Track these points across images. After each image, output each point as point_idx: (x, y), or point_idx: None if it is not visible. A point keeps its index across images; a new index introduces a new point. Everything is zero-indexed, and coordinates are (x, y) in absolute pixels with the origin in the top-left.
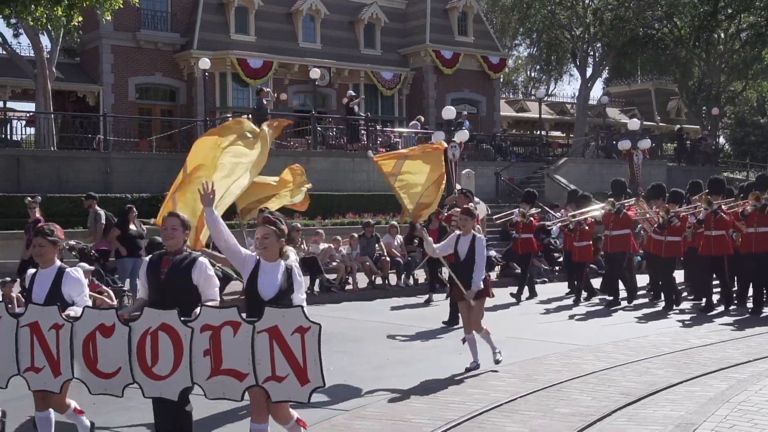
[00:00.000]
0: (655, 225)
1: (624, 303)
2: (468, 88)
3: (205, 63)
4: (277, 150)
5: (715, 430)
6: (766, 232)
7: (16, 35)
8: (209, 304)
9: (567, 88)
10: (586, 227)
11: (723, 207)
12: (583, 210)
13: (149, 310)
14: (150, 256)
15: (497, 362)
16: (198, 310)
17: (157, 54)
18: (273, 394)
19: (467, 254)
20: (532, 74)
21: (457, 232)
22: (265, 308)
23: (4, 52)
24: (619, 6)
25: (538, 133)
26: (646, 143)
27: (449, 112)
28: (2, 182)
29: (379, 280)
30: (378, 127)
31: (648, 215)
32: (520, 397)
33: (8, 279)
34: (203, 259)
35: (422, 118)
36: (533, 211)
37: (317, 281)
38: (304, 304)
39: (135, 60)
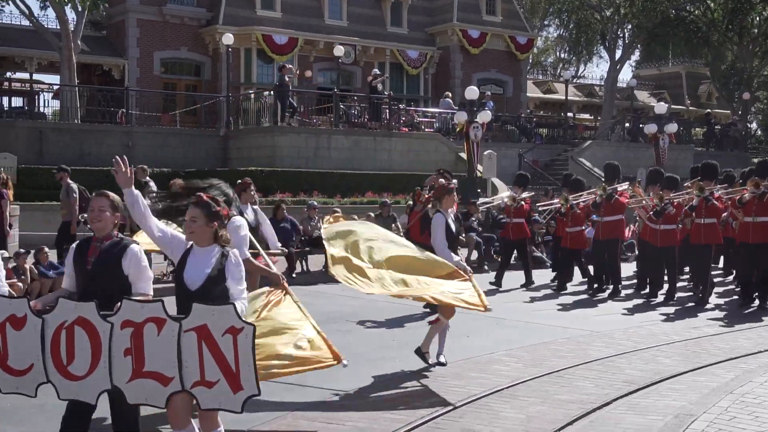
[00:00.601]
0: (650, 212)
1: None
2: (495, 68)
3: (228, 38)
4: (300, 127)
5: (714, 421)
6: (765, 222)
7: (42, 7)
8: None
9: (596, 70)
10: (578, 212)
11: (718, 194)
12: (576, 195)
13: (64, 301)
14: (78, 241)
15: (440, 364)
16: (119, 303)
17: (183, 28)
18: (202, 401)
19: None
20: (561, 55)
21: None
22: (192, 304)
23: (30, 24)
24: None
25: (564, 115)
26: (672, 127)
27: (472, 92)
28: (26, 154)
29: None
30: (402, 106)
31: (643, 202)
32: (522, 382)
33: (22, 251)
34: (136, 247)
35: (450, 94)
36: (525, 195)
37: None
38: (243, 296)
39: (161, 34)
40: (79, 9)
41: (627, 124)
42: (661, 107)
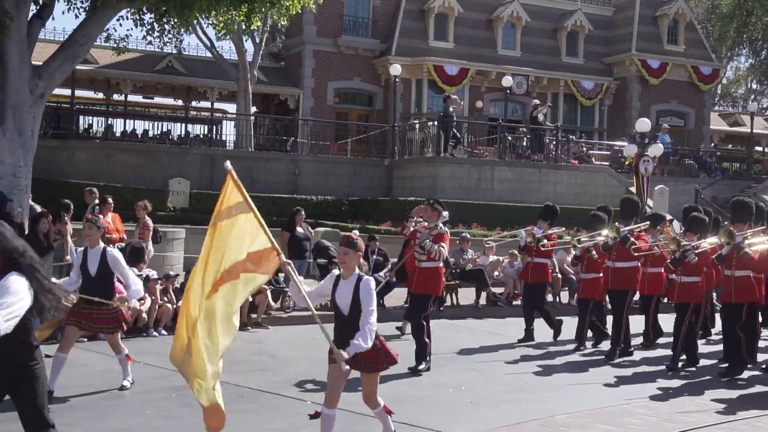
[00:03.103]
0: (668, 261)
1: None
2: (675, 99)
3: (396, 69)
4: (462, 158)
5: None
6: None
7: (220, 39)
8: None
9: None
10: (595, 256)
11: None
12: (592, 234)
13: None
14: None
15: None
16: None
17: (357, 59)
18: None
19: (351, 305)
20: (753, 86)
21: (335, 272)
22: None
23: (211, 56)
24: None
25: (749, 149)
26: None
27: (643, 125)
28: (198, 179)
29: (549, 297)
30: (572, 138)
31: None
32: None
33: (171, 273)
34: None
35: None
36: (554, 231)
37: (483, 294)
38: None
39: (335, 65)
40: (257, 41)
41: None
42: None
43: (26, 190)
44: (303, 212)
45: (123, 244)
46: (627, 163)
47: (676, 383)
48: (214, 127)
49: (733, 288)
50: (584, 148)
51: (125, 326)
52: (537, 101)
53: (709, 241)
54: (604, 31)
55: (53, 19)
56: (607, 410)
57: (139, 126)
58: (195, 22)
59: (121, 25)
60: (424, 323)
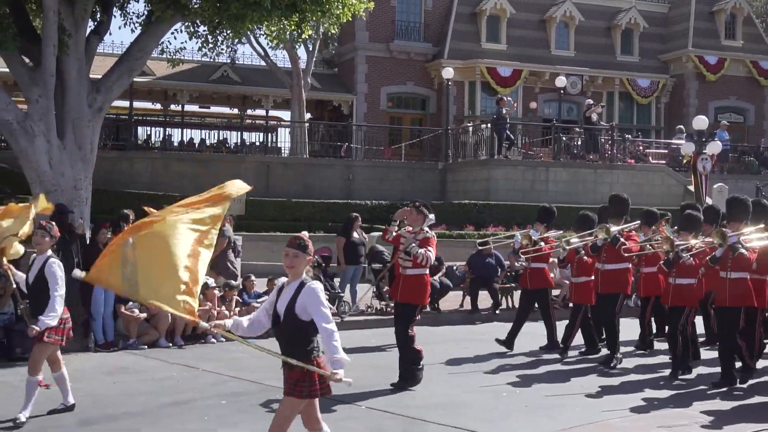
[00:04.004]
0: (661, 262)
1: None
2: (734, 95)
3: (448, 72)
4: (516, 160)
5: None
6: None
7: (274, 48)
8: None
9: None
10: (585, 258)
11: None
12: (582, 234)
13: None
14: None
15: None
16: None
17: (410, 63)
18: None
19: (286, 311)
20: None
21: (282, 280)
22: None
23: (265, 65)
24: None
25: None
26: None
27: (700, 122)
28: (254, 187)
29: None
30: (628, 137)
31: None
32: None
33: (233, 282)
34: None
35: (682, 128)
36: (551, 234)
37: None
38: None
39: (388, 70)
40: (309, 49)
41: None
42: None
43: (87, 201)
44: (359, 218)
45: None
46: (685, 161)
47: (664, 393)
48: (270, 135)
49: (728, 291)
50: (641, 147)
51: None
52: (590, 101)
53: (706, 241)
54: (660, 28)
55: (110, 33)
56: (584, 427)
57: (196, 135)
58: (248, 32)
59: (175, 38)
60: (412, 333)
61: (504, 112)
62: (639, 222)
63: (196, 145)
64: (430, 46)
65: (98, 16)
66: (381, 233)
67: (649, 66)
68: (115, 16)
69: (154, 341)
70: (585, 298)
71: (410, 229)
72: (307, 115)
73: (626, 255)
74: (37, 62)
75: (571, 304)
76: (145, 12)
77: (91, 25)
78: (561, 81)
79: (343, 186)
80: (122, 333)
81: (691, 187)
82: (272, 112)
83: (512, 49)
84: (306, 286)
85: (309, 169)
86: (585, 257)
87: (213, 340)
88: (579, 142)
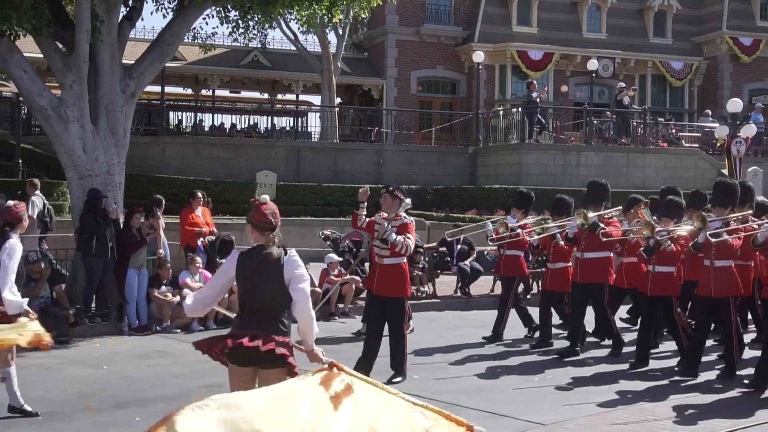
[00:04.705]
0: (641, 249)
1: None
2: None
3: (479, 56)
4: (547, 144)
5: None
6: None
7: (305, 32)
8: None
9: None
10: (562, 243)
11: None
12: (562, 222)
13: None
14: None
15: None
16: None
17: (440, 47)
18: None
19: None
20: None
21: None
22: None
23: (295, 49)
24: None
25: None
26: None
27: (735, 105)
28: (284, 172)
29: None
30: (660, 120)
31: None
32: None
33: None
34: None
35: (709, 112)
36: (529, 219)
37: None
38: None
39: (418, 54)
40: (340, 33)
41: None
42: None
43: (120, 186)
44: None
45: (213, 237)
46: (718, 144)
47: (640, 385)
48: (300, 120)
49: (712, 280)
50: (673, 130)
51: None
52: (622, 84)
53: (686, 228)
54: (693, 10)
55: (142, 19)
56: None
57: (227, 120)
58: (279, 17)
59: (207, 23)
60: (406, 332)
61: (534, 95)
62: (620, 207)
63: (227, 130)
64: (460, 30)
65: (130, 1)
66: (418, 217)
67: (682, 48)
68: (147, 2)
69: (187, 325)
70: (563, 284)
71: (385, 215)
72: (337, 100)
73: (605, 241)
74: (71, 48)
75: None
76: None
77: (123, 11)
78: (593, 64)
79: (374, 170)
80: (155, 317)
81: (725, 171)
82: (302, 97)
83: (543, 32)
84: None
85: (339, 153)
86: (562, 242)
87: None
88: (611, 126)
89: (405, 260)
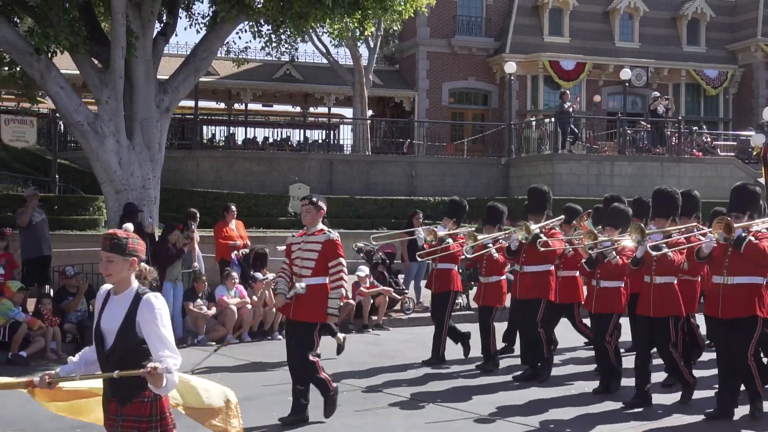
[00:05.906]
0: (582, 261)
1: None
2: None
3: (510, 67)
4: (580, 154)
5: None
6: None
7: (337, 45)
8: None
9: None
10: (496, 256)
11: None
12: (495, 235)
13: None
14: None
15: None
16: None
17: (471, 59)
18: None
19: (119, 332)
20: None
21: (106, 287)
22: None
23: (327, 62)
24: None
25: None
26: None
27: None
28: (317, 184)
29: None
30: (695, 129)
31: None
32: None
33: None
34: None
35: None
36: (461, 230)
37: None
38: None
39: (449, 65)
40: (371, 46)
41: None
42: None
43: (155, 200)
44: (421, 214)
45: (247, 251)
46: (755, 153)
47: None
48: (332, 132)
49: (652, 298)
50: (708, 140)
51: None
52: (657, 93)
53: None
54: (727, 18)
55: (176, 35)
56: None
57: (260, 134)
58: (310, 30)
59: (240, 37)
60: (315, 359)
61: (567, 105)
62: (563, 217)
63: (260, 143)
64: (491, 41)
65: (164, 17)
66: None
67: (716, 56)
68: (180, 18)
69: (221, 338)
70: (495, 299)
71: (303, 231)
72: (369, 112)
73: (545, 251)
74: (106, 64)
75: (476, 306)
76: (210, 13)
77: (157, 27)
78: (626, 73)
79: (406, 182)
80: (191, 330)
81: (762, 180)
82: (334, 110)
83: (575, 42)
84: (144, 298)
85: (371, 165)
86: (495, 254)
87: (279, 337)
88: (644, 135)
89: (327, 280)
